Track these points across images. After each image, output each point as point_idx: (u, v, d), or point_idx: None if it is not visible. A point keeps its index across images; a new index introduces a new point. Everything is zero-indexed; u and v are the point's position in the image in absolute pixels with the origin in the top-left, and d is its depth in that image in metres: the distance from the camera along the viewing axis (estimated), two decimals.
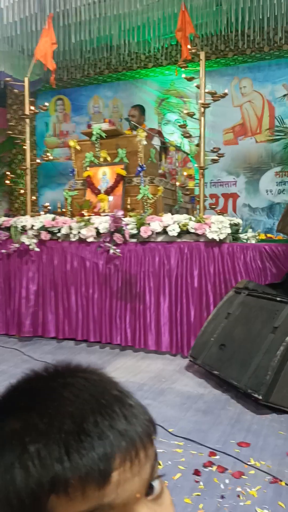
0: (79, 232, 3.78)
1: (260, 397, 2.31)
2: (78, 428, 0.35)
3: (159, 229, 3.54)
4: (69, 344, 3.84)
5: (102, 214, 3.88)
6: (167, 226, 3.53)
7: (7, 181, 5.07)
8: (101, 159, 4.15)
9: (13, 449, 0.36)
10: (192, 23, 4.56)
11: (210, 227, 3.38)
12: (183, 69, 4.01)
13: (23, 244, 3.98)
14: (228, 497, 1.67)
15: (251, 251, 3.32)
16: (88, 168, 4.17)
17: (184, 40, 4.42)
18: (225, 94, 3.87)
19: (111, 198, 4.02)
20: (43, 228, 3.92)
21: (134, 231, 3.62)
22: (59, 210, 4.57)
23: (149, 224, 3.57)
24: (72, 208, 4.22)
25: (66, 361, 0.44)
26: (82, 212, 3.91)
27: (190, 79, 3.91)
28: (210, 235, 3.36)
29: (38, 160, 4.68)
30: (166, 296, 3.52)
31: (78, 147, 4.31)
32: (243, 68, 6.00)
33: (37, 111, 4.56)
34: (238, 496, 1.67)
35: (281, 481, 1.76)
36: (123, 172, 3.98)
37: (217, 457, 1.96)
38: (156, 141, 4.76)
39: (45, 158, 4.51)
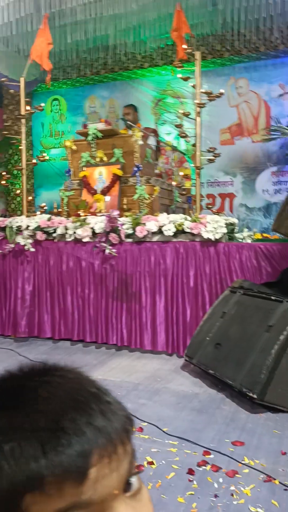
0: (74, 232, 3.78)
1: (255, 396, 2.31)
2: (54, 425, 0.35)
3: (154, 228, 3.54)
4: (65, 344, 3.84)
5: (98, 214, 3.88)
6: (162, 226, 3.53)
7: (3, 182, 5.06)
8: (97, 159, 4.15)
9: None
10: (188, 23, 4.55)
11: (205, 226, 3.38)
12: (178, 69, 4.01)
13: (19, 244, 3.97)
14: (221, 496, 1.66)
15: (247, 250, 3.32)
16: (84, 168, 4.17)
17: (180, 40, 4.42)
18: (221, 94, 3.87)
19: (107, 198, 4.02)
20: (39, 228, 3.91)
21: (130, 231, 3.62)
22: (55, 210, 4.56)
23: (144, 224, 3.57)
24: (69, 208, 4.21)
25: (43, 361, 0.43)
26: (79, 212, 3.90)
27: (186, 79, 3.91)
28: (205, 235, 3.36)
29: (34, 161, 4.67)
30: (162, 296, 3.52)
31: (74, 147, 4.31)
32: (239, 68, 6.01)
33: (33, 111, 4.55)
34: (232, 495, 1.67)
35: (274, 479, 1.76)
36: (119, 172, 3.97)
37: (211, 456, 1.96)
38: (151, 141, 4.77)
39: (41, 159, 4.51)
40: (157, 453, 1.99)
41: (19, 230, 3.99)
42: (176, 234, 3.51)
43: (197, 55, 3.83)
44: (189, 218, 3.51)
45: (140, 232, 3.54)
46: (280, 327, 2.47)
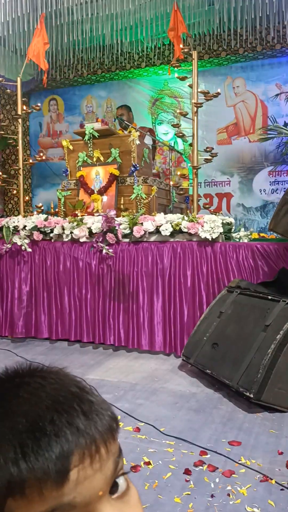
0: (71, 232, 3.77)
1: (252, 396, 2.31)
2: (33, 427, 0.34)
3: (152, 228, 3.54)
4: (62, 344, 3.83)
5: (95, 214, 3.87)
6: (160, 226, 3.52)
7: (0, 182, 5.05)
8: (94, 159, 4.14)
9: None
10: (185, 22, 4.56)
11: (202, 226, 3.38)
12: (176, 68, 4.01)
13: (15, 244, 3.97)
14: (218, 496, 1.66)
15: (244, 250, 3.32)
16: (81, 168, 4.16)
17: (177, 39, 4.42)
18: (218, 94, 3.87)
19: (104, 198, 4.02)
20: (35, 228, 3.90)
21: (127, 231, 3.61)
22: (52, 210, 4.55)
23: (142, 223, 3.57)
24: (65, 208, 4.20)
25: (29, 363, 0.43)
26: (76, 212, 3.90)
27: (183, 79, 3.91)
28: (202, 234, 3.36)
29: (31, 160, 4.66)
30: (160, 296, 3.52)
31: (71, 147, 4.30)
32: (236, 67, 6.01)
33: (30, 111, 4.55)
34: (228, 494, 1.67)
35: (271, 479, 1.76)
36: (116, 172, 3.97)
37: (208, 456, 1.95)
38: (148, 140, 4.76)
39: (38, 158, 4.50)
40: (154, 453, 1.98)
41: (15, 230, 3.98)
42: (173, 234, 3.51)
43: (194, 54, 3.83)
44: (186, 218, 3.51)
45: (137, 232, 3.54)
46: (277, 326, 2.47)
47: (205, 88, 4.00)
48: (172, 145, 5.62)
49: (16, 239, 3.94)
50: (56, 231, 3.85)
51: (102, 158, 4.12)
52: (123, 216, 3.67)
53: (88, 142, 4.17)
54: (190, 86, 3.85)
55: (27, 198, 5.24)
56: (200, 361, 2.85)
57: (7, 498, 0.33)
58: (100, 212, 3.87)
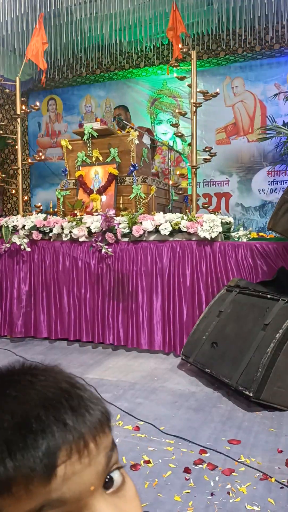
0: (70, 232, 3.77)
1: (251, 394, 2.31)
2: (19, 424, 0.34)
3: (151, 228, 3.54)
4: (61, 344, 3.83)
5: (94, 213, 3.87)
6: (159, 225, 3.53)
7: None
8: (93, 159, 4.14)
9: None
10: (184, 22, 4.56)
11: (201, 225, 3.38)
12: (174, 68, 4.01)
13: (14, 244, 3.96)
14: (218, 494, 1.66)
15: (243, 249, 3.33)
16: (80, 168, 4.16)
17: (176, 39, 4.42)
18: (217, 94, 3.87)
19: (103, 197, 4.02)
20: (34, 227, 3.90)
21: (126, 230, 3.62)
22: (51, 210, 4.55)
23: (141, 223, 3.57)
24: (65, 208, 4.20)
25: (22, 361, 0.42)
26: (75, 212, 3.90)
27: (182, 78, 3.91)
28: (202, 234, 3.37)
29: (30, 160, 4.66)
30: (159, 295, 3.52)
31: (70, 147, 4.30)
32: (235, 67, 6.02)
33: (29, 110, 4.54)
34: (228, 493, 1.67)
35: (271, 477, 1.76)
36: (115, 172, 3.97)
37: (208, 454, 1.96)
38: (146, 139, 4.77)
39: (37, 158, 4.49)
40: (154, 451, 1.99)
41: (15, 230, 3.98)
42: (172, 233, 3.51)
43: (193, 54, 3.83)
44: (185, 217, 3.52)
45: (136, 231, 3.54)
46: (276, 325, 2.48)
47: (203, 88, 4.00)
48: (171, 144, 5.62)
49: (15, 239, 3.94)
50: (55, 231, 3.85)
51: (101, 158, 4.12)
52: (123, 216, 3.67)
53: (87, 141, 4.17)
54: (189, 85, 3.85)
55: (26, 198, 5.24)
56: (199, 360, 2.85)
57: None
58: (99, 211, 3.87)
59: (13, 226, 3.97)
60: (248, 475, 1.79)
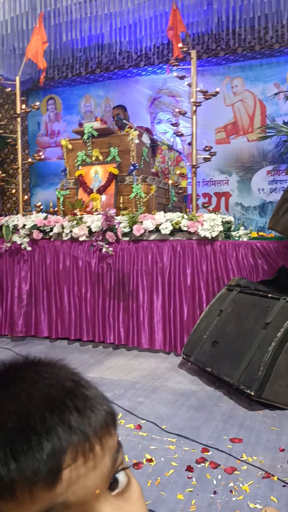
0: (71, 231, 3.77)
1: (252, 393, 2.32)
2: (23, 426, 0.33)
3: (151, 227, 3.54)
4: (62, 343, 3.83)
5: (94, 213, 3.87)
6: (159, 224, 3.53)
7: None
8: (93, 158, 4.14)
9: None
10: (184, 22, 4.56)
11: (202, 224, 3.38)
12: (174, 67, 4.01)
13: (15, 243, 3.96)
14: (220, 492, 1.67)
15: (243, 248, 3.33)
16: (80, 167, 4.16)
17: (176, 38, 4.42)
18: (217, 93, 3.88)
19: (103, 197, 4.01)
20: (35, 227, 3.90)
21: (127, 230, 3.62)
22: (51, 209, 4.55)
23: (141, 222, 3.57)
24: (64, 207, 4.20)
25: (26, 354, 0.41)
26: (75, 211, 3.90)
27: (181, 78, 3.91)
28: (202, 233, 3.37)
29: (30, 160, 4.65)
30: (159, 295, 3.52)
31: (70, 146, 4.30)
32: (235, 67, 6.02)
33: (29, 110, 4.54)
34: (231, 491, 1.67)
35: (273, 476, 1.77)
36: (116, 171, 3.97)
37: (210, 453, 1.96)
38: (145, 139, 4.77)
39: (37, 157, 4.49)
40: (156, 450, 1.99)
41: (15, 229, 3.98)
42: (173, 233, 3.52)
43: (193, 53, 3.83)
44: (186, 216, 3.52)
45: (137, 230, 3.54)
46: (277, 324, 2.48)
47: (203, 88, 4.00)
48: (171, 144, 5.63)
49: (15, 238, 3.94)
50: (55, 230, 3.85)
51: (101, 157, 4.12)
52: (123, 215, 3.67)
53: (87, 141, 4.17)
54: (189, 85, 3.85)
55: (25, 197, 5.23)
56: (200, 359, 2.85)
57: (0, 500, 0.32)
58: (99, 211, 3.87)
59: (13, 226, 3.97)
60: (251, 473, 1.80)
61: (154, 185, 3.99)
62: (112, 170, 3.97)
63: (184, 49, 4.28)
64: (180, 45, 4.31)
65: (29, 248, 3.92)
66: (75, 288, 3.78)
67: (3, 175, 5.26)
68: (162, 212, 3.67)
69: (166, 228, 3.49)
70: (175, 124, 4.28)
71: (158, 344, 3.50)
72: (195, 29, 5.45)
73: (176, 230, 3.50)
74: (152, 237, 3.60)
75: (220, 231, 3.39)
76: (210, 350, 2.81)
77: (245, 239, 3.70)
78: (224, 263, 3.36)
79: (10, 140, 4.92)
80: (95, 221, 3.68)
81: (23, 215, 4.12)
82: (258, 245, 3.30)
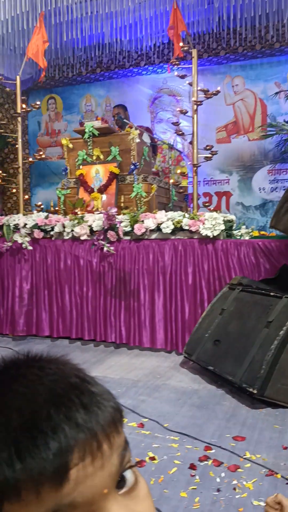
0: (72, 230, 3.77)
1: (255, 392, 2.32)
2: (28, 424, 0.32)
3: (152, 226, 3.54)
4: (63, 342, 3.83)
5: (95, 212, 3.87)
6: (161, 223, 3.52)
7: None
8: (94, 157, 4.14)
9: None
10: (184, 21, 4.56)
11: (203, 223, 3.38)
12: (175, 66, 4.01)
13: (16, 242, 3.96)
14: (224, 490, 1.66)
15: (245, 247, 3.33)
16: (81, 167, 4.15)
17: (176, 38, 4.42)
18: (217, 92, 3.88)
19: (104, 196, 4.01)
20: (36, 226, 3.90)
21: (128, 229, 3.61)
22: (52, 209, 4.54)
23: (142, 221, 3.57)
24: (65, 206, 4.20)
25: (27, 350, 0.39)
26: (76, 210, 3.89)
27: (182, 77, 3.91)
28: (203, 232, 3.37)
29: (30, 159, 4.65)
30: (161, 293, 3.52)
31: (70, 145, 4.30)
32: (235, 66, 6.02)
33: (29, 109, 4.54)
34: (234, 489, 1.67)
35: (276, 473, 1.77)
36: (116, 170, 3.96)
37: (213, 451, 1.96)
38: (146, 138, 4.77)
39: (37, 157, 4.49)
40: (159, 448, 1.99)
41: (16, 228, 3.98)
42: (174, 232, 3.51)
43: (194, 53, 3.83)
44: (187, 215, 3.52)
45: (138, 229, 3.54)
46: (279, 323, 2.48)
47: (204, 87, 4.00)
48: (172, 143, 5.63)
49: (16, 237, 3.94)
50: (56, 229, 3.85)
51: (102, 157, 4.12)
52: (124, 214, 3.67)
53: (88, 140, 4.17)
54: (190, 84, 3.85)
55: (26, 197, 5.23)
56: (202, 358, 2.85)
57: (3, 503, 0.31)
58: (100, 210, 3.87)
59: (14, 225, 3.97)
60: (254, 471, 1.79)
61: (154, 185, 3.98)
62: (113, 170, 3.96)
63: (185, 48, 4.28)
64: (181, 44, 4.31)
65: (30, 248, 3.92)
66: (76, 287, 3.78)
67: (4, 174, 5.26)
68: (163, 211, 3.67)
69: (167, 227, 3.48)
70: (176, 123, 4.28)
71: (160, 343, 3.50)
72: (196, 28, 5.45)
73: (177, 229, 3.50)
74: (153, 236, 3.60)
75: (222, 230, 3.38)
76: (212, 348, 2.80)
77: (247, 238, 3.69)
78: (226, 262, 3.36)
79: (10, 140, 4.92)
80: (96, 220, 3.68)
81: (24, 215, 4.12)
82: (260, 244, 3.30)
